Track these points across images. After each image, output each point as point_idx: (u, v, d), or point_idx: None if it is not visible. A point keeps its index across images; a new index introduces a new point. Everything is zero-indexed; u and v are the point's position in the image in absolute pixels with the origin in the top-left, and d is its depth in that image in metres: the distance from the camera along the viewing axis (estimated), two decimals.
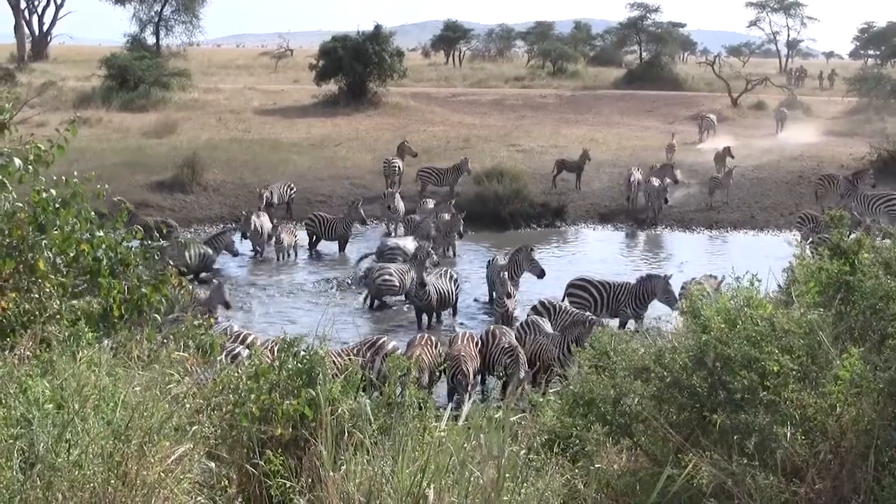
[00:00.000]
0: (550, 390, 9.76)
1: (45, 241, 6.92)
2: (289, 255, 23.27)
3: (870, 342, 5.87)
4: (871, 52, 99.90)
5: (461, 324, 18.76)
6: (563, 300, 17.61)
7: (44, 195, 7.03)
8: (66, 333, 6.06)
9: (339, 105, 48.01)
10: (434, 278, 18.87)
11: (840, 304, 6.37)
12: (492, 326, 15.66)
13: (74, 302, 6.78)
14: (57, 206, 7.02)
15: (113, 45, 69.28)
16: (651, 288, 17.57)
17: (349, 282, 21.12)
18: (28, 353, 5.83)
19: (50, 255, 6.95)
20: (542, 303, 16.58)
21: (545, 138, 40.47)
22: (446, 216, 24.04)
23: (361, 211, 24.59)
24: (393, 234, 26.14)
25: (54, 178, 7.23)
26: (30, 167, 7.05)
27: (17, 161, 7.01)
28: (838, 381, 5.31)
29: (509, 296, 17.58)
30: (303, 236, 24.59)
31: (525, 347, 14.63)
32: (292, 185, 28.13)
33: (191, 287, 7.77)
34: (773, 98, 55.95)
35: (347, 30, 53.54)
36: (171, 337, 6.97)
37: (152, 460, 4.73)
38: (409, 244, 22.61)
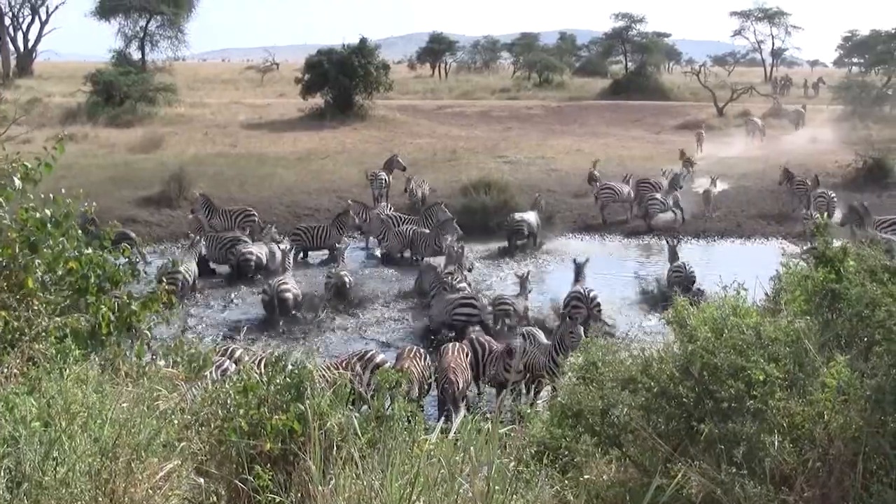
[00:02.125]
0: (538, 400, 9.80)
1: (37, 260, 6.91)
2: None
3: (856, 349, 5.88)
4: (855, 59, 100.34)
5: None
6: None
7: (37, 214, 7.03)
8: (54, 351, 6.04)
9: (326, 118, 48.03)
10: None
11: (826, 311, 6.40)
12: (474, 335, 15.73)
13: (61, 319, 6.75)
14: (49, 225, 7.01)
15: (98, 60, 69.17)
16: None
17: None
18: (15, 370, 5.82)
19: (38, 273, 6.94)
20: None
21: (532, 150, 40.58)
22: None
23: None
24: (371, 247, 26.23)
25: (41, 196, 7.22)
26: (19, 187, 7.05)
27: (17, 181, 7.02)
28: (825, 389, 5.33)
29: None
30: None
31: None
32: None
33: (181, 306, 7.74)
34: (759, 107, 56.21)
35: (333, 43, 53.57)
36: (160, 353, 6.98)
37: (140, 477, 4.71)
38: (532, 218, 26.18)
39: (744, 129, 46.68)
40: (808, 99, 65.68)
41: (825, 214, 26.00)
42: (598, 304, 18.21)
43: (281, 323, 18.84)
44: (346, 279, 20.68)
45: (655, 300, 20.19)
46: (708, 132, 44.89)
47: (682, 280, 20.37)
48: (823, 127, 46.36)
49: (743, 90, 58.49)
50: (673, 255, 19.64)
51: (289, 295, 19.21)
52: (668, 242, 20.19)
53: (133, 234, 22.28)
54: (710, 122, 50.78)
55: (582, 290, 18.38)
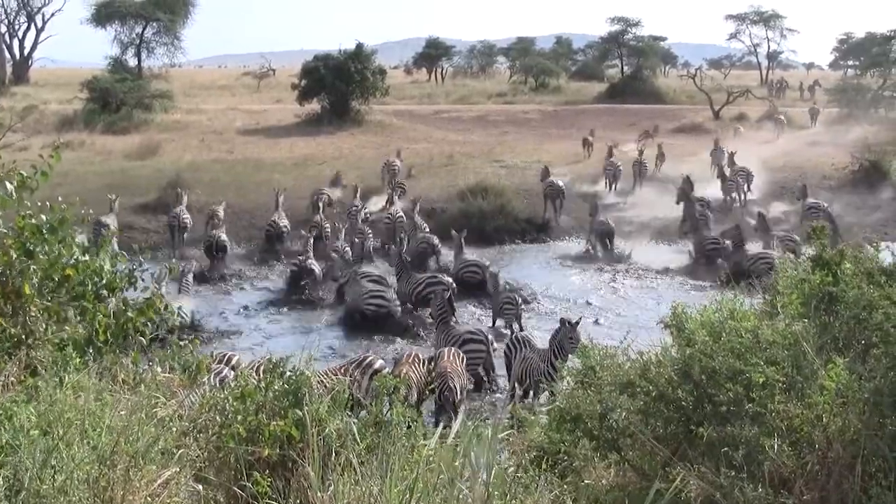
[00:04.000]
0: (537, 405, 9.78)
1: (33, 267, 6.89)
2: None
3: (854, 352, 5.89)
4: (850, 62, 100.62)
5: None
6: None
7: (32, 220, 7.02)
8: (52, 359, 6.03)
9: (322, 124, 47.99)
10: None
11: (823, 314, 6.40)
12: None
13: (58, 327, 6.75)
14: (45, 231, 7.00)
15: (94, 67, 69.15)
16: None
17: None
18: (13, 379, 5.81)
19: (35, 280, 6.92)
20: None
21: (529, 154, 40.53)
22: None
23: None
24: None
25: (38, 203, 7.22)
26: (12, 193, 7.04)
27: (9, 186, 7.01)
28: (824, 392, 5.33)
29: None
30: None
31: (514, 363, 14.78)
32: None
33: (175, 311, 7.72)
34: (755, 110, 56.29)
35: (329, 48, 53.57)
36: (157, 359, 6.97)
37: (138, 485, 4.70)
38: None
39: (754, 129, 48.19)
40: (805, 102, 65.80)
41: (745, 188, 30.88)
42: (494, 272, 20.71)
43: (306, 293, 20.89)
44: (348, 254, 23.19)
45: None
46: (706, 135, 45.19)
47: (605, 232, 25.45)
48: (843, 129, 46.97)
49: (739, 93, 58.56)
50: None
51: (315, 268, 21.40)
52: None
53: (109, 222, 23.19)
54: (705, 125, 50.86)
55: (477, 259, 21.77)
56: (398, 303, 19.72)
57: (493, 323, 18.96)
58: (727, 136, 43.37)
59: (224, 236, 24.38)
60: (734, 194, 31.25)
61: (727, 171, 32.42)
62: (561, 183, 29.68)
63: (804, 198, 28.05)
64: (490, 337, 16.34)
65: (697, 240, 24.86)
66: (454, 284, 19.99)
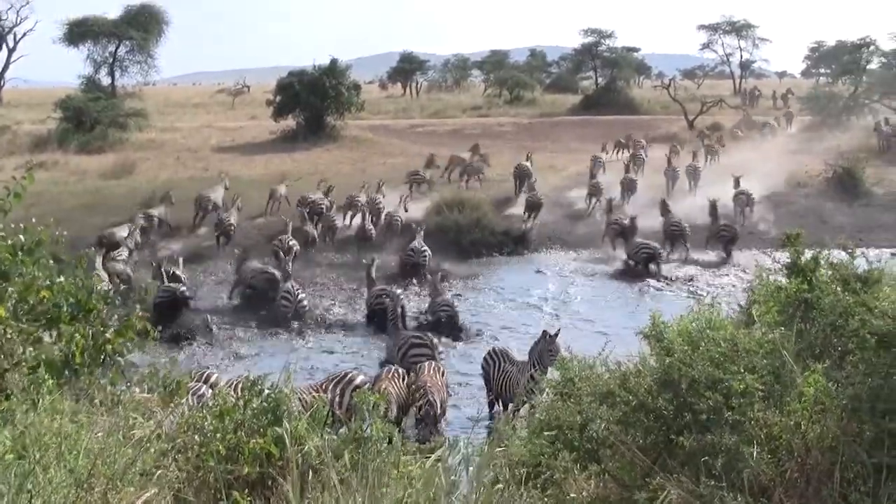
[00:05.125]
0: (517, 419, 9.76)
1: (10, 289, 6.82)
2: None
3: (830, 359, 5.92)
4: (822, 70, 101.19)
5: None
6: None
7: (9, 241, 6.96)
8: (26, 381, 5.97)
9: (298, 140, 47.89)
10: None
11: (800, 322, 6.43)
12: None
13: (33, 349, 6.68)
14: (21, 254, 6.94)
15: (67, 86, 68.73)
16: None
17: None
18: None
19: (11, 303, 6.85)
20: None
21: (504, 167, 40.40)
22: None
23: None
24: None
25: (12, 225, 7.15)
26: None
27: None
28: (802, 399, 5.35)
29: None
30: None
31: (493, 376, 14.76)
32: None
33: (156, 332, 7.65)
34: (729, 119, 56.67)
35: (304, 64, 53.48)
36: (134, 379, 6.91)
37: None
38: None
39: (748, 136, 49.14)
40: (777, 110, 66.20)
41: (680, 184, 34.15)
42: (425, 255, 24.00)
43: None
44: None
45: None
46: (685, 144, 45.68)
47: (533, 205, 29.82)
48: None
49: (713, 103, 58.89)
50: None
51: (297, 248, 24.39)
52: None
53: (156, 214, 27.28)
54: (680, 135, 51.09)
55: (416, 245, 24.16)
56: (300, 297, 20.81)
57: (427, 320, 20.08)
58: (725, 140, 45.37)
59: (232, 220, 26.90)
60: (671, 183, 34.57)
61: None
62: (527, 165, 34.36)
63: (737, 186, 31.38)
64: (434, 340, 17.03)
65: (607, 221, 28.10)
66: (401, 297, 19.96)
